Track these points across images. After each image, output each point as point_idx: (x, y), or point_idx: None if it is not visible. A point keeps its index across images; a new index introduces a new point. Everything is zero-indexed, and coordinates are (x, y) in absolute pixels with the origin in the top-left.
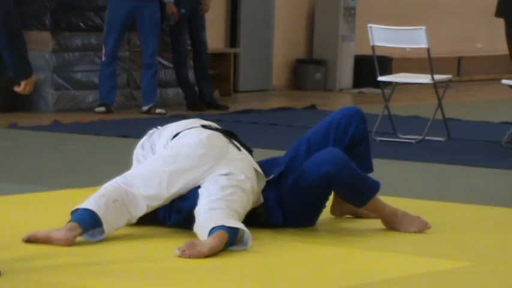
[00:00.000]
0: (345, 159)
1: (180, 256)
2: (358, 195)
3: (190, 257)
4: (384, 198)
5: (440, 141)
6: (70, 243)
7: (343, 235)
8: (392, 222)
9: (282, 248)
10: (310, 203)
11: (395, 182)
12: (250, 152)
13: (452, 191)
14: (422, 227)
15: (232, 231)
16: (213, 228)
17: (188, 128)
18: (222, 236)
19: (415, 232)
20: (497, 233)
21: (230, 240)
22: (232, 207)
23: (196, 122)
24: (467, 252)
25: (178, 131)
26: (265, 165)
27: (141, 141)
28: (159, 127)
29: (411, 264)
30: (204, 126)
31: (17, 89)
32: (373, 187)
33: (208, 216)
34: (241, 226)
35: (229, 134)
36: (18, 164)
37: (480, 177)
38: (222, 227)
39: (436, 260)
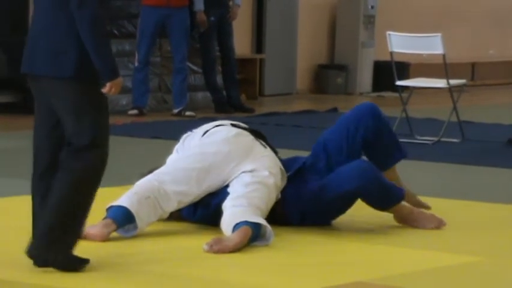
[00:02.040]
0: (371, 173)
1: (208, 251)
2: (382, 204)
3: (218, 251)
4: None
5: (455, 142)
6: (105, 238)
7: (361, 231)
8: (409, 220)
9: (303, 244)
10: (332, 211)
11: (412, 181)
12: (275, 152)
13: (466, 190)
14: (439, 224)
15: (255, 227)
16: (237, 224)
17: (216, 126)
18: (246, 231)
19: (432, 229)
20: (509, 229)
21: (253, 236)
22: (254, 204)
23: (226, 122)
24: (481, 247)
25: (207, 129)
26: (286, 164)
27: (176, 146)
28: (194, 130)
29: (428, 259)
30: (233, 125)
31: (104, 89)
32: (397, 197)
33: (231, 212)
34: (263, 222)
35: (257, 134)
36: None
37: (493, 177)
38: (246, 222)
39: (450, 255)
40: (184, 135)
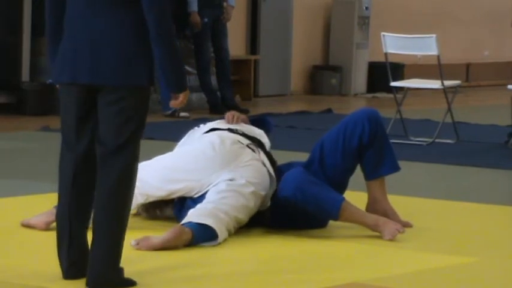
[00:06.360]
0: (300, 183)
1: (135, 247)
2: (323, 215)
3: (141, 248)
4: (396, 197)
5: (449, 143)
6: (45, 227)
7: (356, 231)
8: (377, 231)
9: (297, 245)
10: (297, 215)
11: (407, 182)
12: (273, 163)
13: (460, 191)
14: (393, 234)
15: (200, 228)
16: (182, 225)
17: (212, 130)
18: (179, 231)
19: (390, 240)
20: (503, 230)
21: (198, 236)
22: (221, 209)
23: (225, 124)
24: (475, 248)
25: (204, 132)
26: (282, 169)
27: (181, 141)
28: (201, 125)
29: (423, 260)
30: (230, 130)
31: (174, 103)
32: (334, 206)
33: (188, 215)
34: (210, 223)
35: (260, 144)
36: (51, 164)
37: (487, 177)
38: (189, 223)
39: (444, 256)
40: (191, 130)
